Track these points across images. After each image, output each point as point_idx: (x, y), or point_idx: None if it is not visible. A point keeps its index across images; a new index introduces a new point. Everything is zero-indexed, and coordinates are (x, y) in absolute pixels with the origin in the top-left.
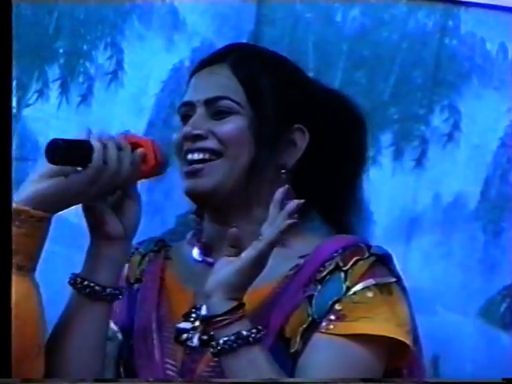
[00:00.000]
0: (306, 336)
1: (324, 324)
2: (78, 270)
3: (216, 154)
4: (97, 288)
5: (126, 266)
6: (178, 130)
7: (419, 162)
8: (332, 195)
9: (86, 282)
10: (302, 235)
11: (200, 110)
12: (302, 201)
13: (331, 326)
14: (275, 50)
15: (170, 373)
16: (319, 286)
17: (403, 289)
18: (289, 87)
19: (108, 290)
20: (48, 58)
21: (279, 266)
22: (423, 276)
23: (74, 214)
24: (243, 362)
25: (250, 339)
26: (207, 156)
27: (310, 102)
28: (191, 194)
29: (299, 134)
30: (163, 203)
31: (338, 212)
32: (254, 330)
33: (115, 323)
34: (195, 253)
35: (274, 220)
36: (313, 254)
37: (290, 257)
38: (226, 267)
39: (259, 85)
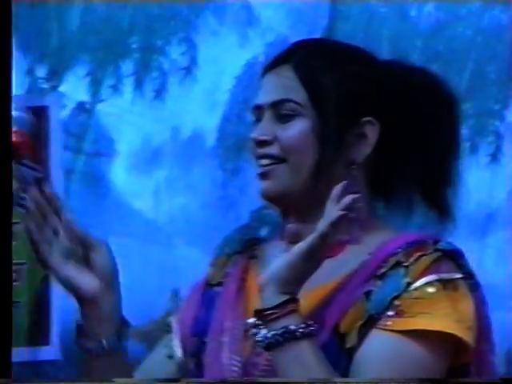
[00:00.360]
0: (363, 332)
1: (382, 320)
2: (151, 265)
3: (280, 159)
4: (95, 348)
5: (210, 267)
6: (253, 129)
7: (494, 157)
8: (424, 178)
9: (84, 343)
10: (377, 231)
11: (267, 114)
12: (358, 195)
13: (389, 322)
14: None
15: (235, 369)
16: (379, 282)
17: (474, 285)
18: (355, 80)
19: (106, 346)
20: (122, 54)
21: (349, 262)
22: (498, 272)
23: (150, 207)
24: (289, 357)
25: (297, 334)
26: (271, 162)
27: (382, 91)
28: (263, 195)
29: (369, 126)
30: (238, 198)
31: (436, 192)
32: (302, 325)
33: (186, 329)
34: (277, 250)
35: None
36: (377, 250)
37: (361, 253)
38: (278, 261)
39: (321, 83)
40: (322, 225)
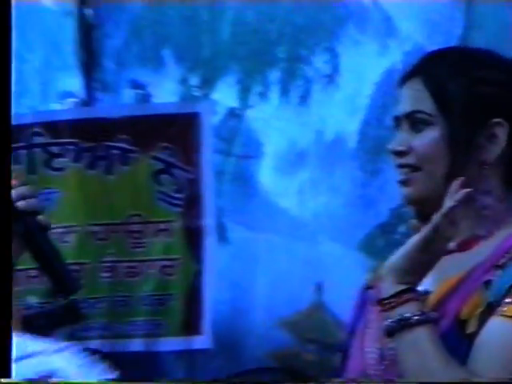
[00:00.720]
0: (483, 318)
1: (500, 307)
2: (297, 260)
3: (415, 168)
4: None
5: (371, 273)
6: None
7: None
8: None
9: None
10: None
11: (403, 124)
12: (470, 190)
13: (505, 309)
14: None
15: (374, 355)
16: (499, 271)
17: None
18: (483, 84)
19: None
20: (269, 63)
21: (478, 255)
22: None
23: (295, 205)
24: (405, 343)
25: (412, 321)
26: (408, 171)
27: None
28: (404, 200)
29: (499, 127)
30: (377, 197)
31: None
32: (417, 313)
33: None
34: None
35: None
36: (502, 242)
37: (490, 247)
38: (396, 253)
39: (448, 91)
40: (435, 217)
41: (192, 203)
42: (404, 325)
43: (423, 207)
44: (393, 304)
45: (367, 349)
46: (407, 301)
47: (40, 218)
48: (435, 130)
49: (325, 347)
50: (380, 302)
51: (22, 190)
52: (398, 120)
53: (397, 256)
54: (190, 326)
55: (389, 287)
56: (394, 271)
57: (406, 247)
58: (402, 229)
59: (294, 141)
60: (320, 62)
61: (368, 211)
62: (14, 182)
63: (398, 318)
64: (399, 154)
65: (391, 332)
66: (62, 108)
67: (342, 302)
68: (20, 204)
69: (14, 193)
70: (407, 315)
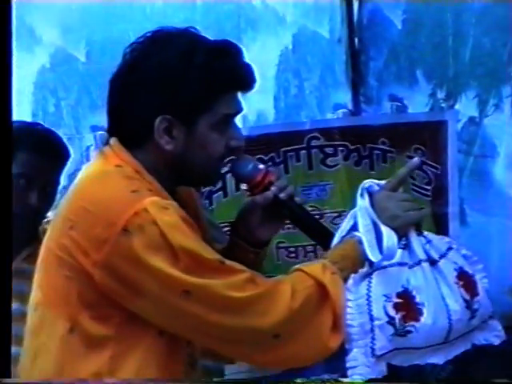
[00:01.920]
0: None
1: None
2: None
3: None
4: None
5: None
6: None
7: None
8: None
9: None
10: None
11: None
12: None
13: None
14: None
15: None
16: None
17: None
18: None
19: None
20: (502, 80)
21: None
22: None
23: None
24: None
25: None
26: None
27: None
28: None
29: None
30: None
31: None
32: None
33: None
34: None
35: None
36: None
37: None
38: None
39: None
40: None
41: (439, 193)
42: None
43: None
44: None
45: None
46: None
47: (297, 199)
48: None
49: None
50: None
51: (279, 184)
52: None
53: None
54: None
55: None
56: None
57: None
58: None
59: None
60: None
61: None
62: (272, 179)
63: None
64: None
65: None
66: (334, 117)
67: None
68: (281, 195)
69: (273, 189)
70: None
